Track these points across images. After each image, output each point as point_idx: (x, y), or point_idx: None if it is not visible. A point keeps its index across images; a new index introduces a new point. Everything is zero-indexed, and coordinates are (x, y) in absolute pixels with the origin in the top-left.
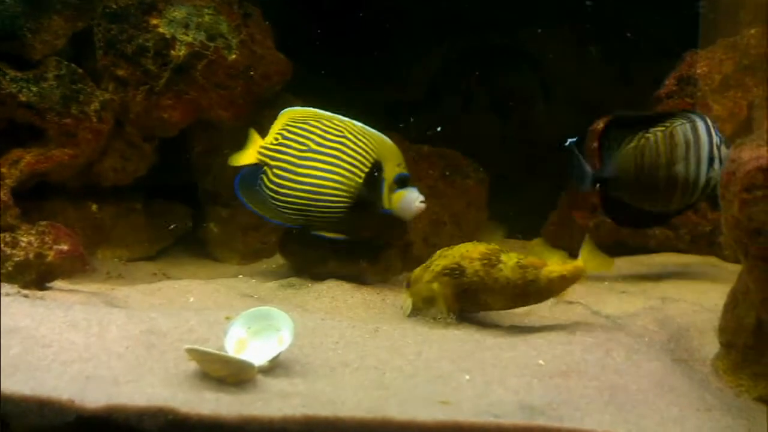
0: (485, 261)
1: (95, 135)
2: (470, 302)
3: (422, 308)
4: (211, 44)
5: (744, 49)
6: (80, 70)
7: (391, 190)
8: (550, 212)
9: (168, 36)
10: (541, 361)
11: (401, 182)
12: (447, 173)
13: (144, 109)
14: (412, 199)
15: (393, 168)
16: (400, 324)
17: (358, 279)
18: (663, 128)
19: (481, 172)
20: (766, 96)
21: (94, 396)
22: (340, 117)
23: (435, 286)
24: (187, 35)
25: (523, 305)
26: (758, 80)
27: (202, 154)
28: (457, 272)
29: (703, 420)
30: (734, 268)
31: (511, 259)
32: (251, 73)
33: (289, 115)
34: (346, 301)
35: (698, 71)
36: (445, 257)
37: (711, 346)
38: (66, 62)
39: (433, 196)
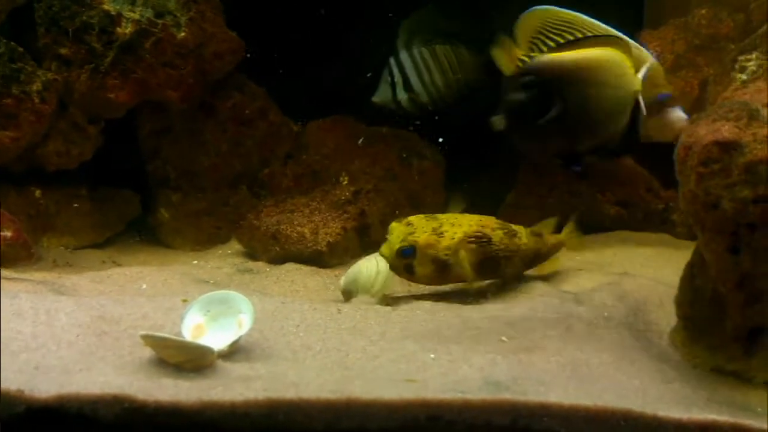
0: (505, 230)
1: (37, 116)
2: (489, 270)
3: (429, 275)
4: (159, 21)
5: (695, 29)
6: (20, 49)
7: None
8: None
9: (113, 12)
10: (504, 338)
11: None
12: (404, 155)
13: (89, 89)
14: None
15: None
16: (362, 306)
17: (316, 263)
18: None
19: (438, 154)
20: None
21: (44, 386)
22: (590, 21)
23: (462, 253)
24: (134, 12)
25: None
26: (709, 59)
27: (151, 135)
28: (484, 240)
29: (664, 391)
30: (687, 245)
31: (521, 229)
32: (201, 51)
33: (537, 18)
34: (305, 285)
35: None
36: (458, 225)
37: (668, 320)
38: (5, 40)
39: (389, 179)
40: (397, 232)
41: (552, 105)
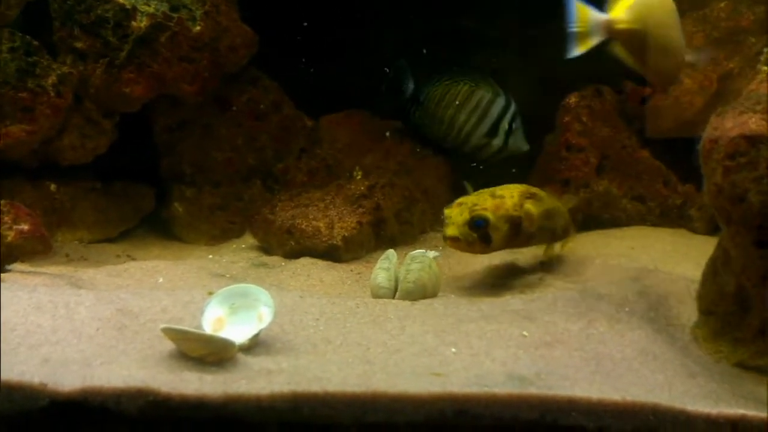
0: (541, 191)
1: (53, 110)
2: (547, 225)
3: (504, 237)
4: (174, 15)
5: (714, 22)
6: (36, 42)
7: None
8: None
9: (128, 6)
10: (525, 333)
11: None
12: (417, 149)
13: (104, 83)
14: None
15: None
16: (380, 300)
17: (332, 257)
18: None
19: None
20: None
21: (66, 379)
22: None
23: (528, 206)
24: (149, 5)
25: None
26: (729, 53)
27: (165, 130)
28: (536, 195)
29: (689, 386)
30: (706, 240)
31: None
32: (216, 45)
33: None
34: (321, 279)
35: None
36: (507, 189)
37: (689, 314)
38: (20, 34)
39: (404, 173)
40: (456, 213)
41: None
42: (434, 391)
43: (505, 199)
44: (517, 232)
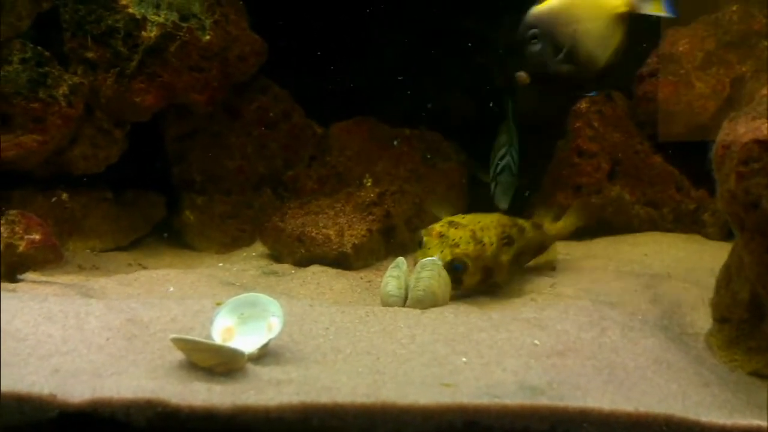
0: (517, 227)
1: (65, 120)
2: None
3: (476, 283)
4: (184, 25)
5: (726, 26)
6: (47, 53)
7: None
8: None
9: (138, 16)
10: (536, 342)
11: None
12: (428, 156)
13: (115, 93)
14: None
15: None
16: (390, 308)
17: (342, 265)
18: None
19: (462, 155)
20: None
21: (76, 390)
22: None
23: (504, 258)
24: (159, 15)
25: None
26: (741, 57)
27: (176, 139)
28: (512, 239)
29: (703, 395)
30: (719, 245)
31: (526, 223)
32: (226, 54)
33: None
34: (331, 288)
35: (680, 48)
36: (486, 229)
37: (703, 322)
38: (31, 45)
39: (414, 180)
40: (435, 246)
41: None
42: (444, 402)
43: (485, 246)
44: (489, 278)
